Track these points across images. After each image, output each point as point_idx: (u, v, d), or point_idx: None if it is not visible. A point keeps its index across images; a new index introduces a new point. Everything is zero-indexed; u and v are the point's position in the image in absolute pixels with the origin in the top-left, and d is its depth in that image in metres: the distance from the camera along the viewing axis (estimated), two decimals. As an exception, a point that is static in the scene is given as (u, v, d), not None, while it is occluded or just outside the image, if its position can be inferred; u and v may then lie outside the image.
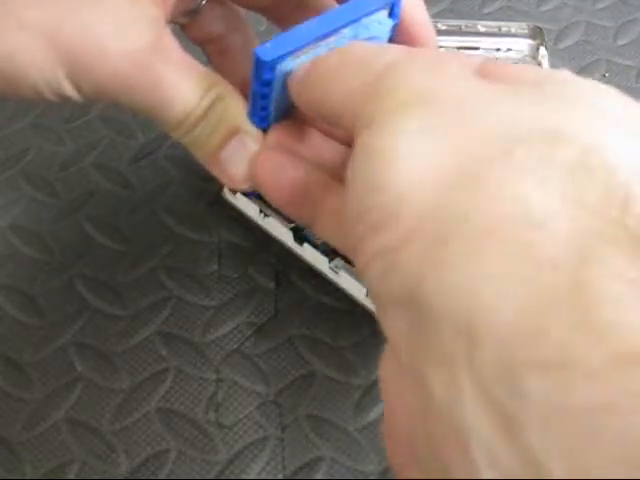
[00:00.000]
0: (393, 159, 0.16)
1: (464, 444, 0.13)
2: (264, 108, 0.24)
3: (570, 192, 0.14)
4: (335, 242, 0.26)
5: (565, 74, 0.17)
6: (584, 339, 0.12)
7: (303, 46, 0.22)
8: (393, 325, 0.15)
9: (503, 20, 0.41)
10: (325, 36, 0.22)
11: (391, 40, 0.25)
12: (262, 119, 0.24)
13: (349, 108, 0.19)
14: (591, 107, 0.16)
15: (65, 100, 0.24)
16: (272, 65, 0.22)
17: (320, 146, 0.25)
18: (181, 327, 0.31)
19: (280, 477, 0.27)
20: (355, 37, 0.23)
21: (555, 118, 0.15)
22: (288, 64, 0.22)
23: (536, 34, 0.39)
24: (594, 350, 0.12)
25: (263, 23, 0.42)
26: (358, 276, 0.17)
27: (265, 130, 0.25)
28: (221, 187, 0.34)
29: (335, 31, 0.22)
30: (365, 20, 0.23)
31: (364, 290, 0.29)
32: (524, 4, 0.44)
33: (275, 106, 0.24)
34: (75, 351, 0.31)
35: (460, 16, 0.43)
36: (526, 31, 0.39)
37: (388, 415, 0.16)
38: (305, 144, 0.25)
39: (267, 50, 0.21)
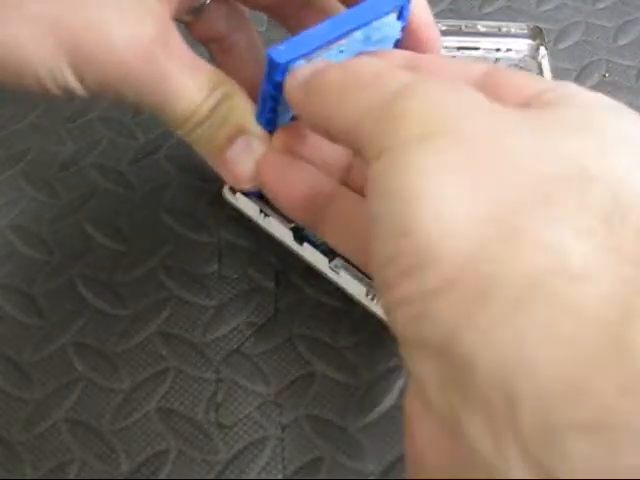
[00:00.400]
0: (419, 200, 0.15)
1: None
2: (273, 110, 0.24)
3: (607, 240, 0.13)
4: (341, 246, 0.26)
5: (583, 96, 0.17)
6: (629, 401, 0.12)
7: (316, 49, 0.22)
8: (422, 368, 0.15)
9: (503, 20, 0.41)
10: (337, 39, 0.22)
11: (400, 41, 0.25)
12: (270, 121, 0.24)
13: (357, 131, 0.18)
14: (617, 138, 0.15)
15: (69, 93, 0.24)
16: (285, 67, 0.22)
17: (327, 150, 0.25)
18: (181, 327, 0.31)
19: (280, 477, 0.27)
20: (367, 39, 0.23)
21: (583, 154, 0.15)
22: (300, 67, 0.22)
23: (536, 34, 0.39)
24: (639, 414, 0.12)
25: (263, 23, 0.42)
26: (385, 317, 0.16)
27: (272, 132, 0.25)
28: (221, 186, 0.34)
29: (347, 34, 0.22)
30: (376, 23, 0.23)
31: (364, 290, 0.29)
32: (524, 4, 0.44)
33: (283, 108, 0.24)
34: (75, 351, 0.31)
35: (460, 16, 0.43)
36: (526, 31, 0.39)
37: (415, 456, 0.16)
38: (312, 147, 0.25)
39: (281, 52, 0.21)
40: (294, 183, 0.24)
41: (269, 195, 0.24)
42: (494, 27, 0.40)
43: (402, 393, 0.29)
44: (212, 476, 0.28)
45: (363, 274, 0.30)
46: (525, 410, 0.12)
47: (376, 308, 0.30)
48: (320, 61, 0.21)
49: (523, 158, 0.15)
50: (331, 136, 0.20)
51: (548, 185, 0.14)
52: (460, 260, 0.14)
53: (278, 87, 0.22)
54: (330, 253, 0.31)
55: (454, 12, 0.44)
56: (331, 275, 0.31)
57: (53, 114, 0.39)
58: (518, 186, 0.15)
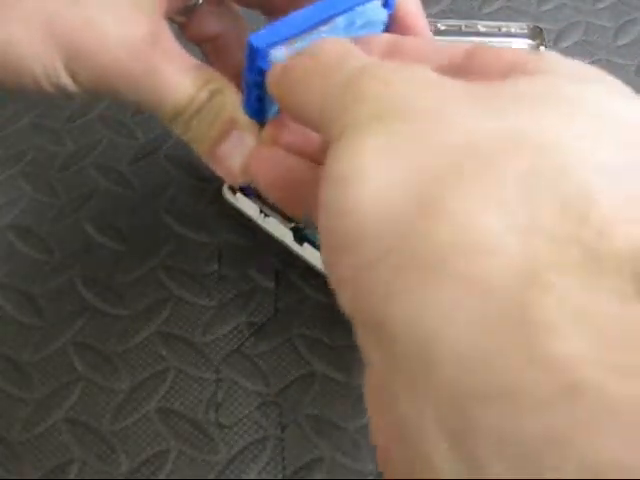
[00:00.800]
0: (354, 183, 0.15)
1: (431, 472, 0.13)
2: (259, 99, 0.24)
3: (523, 212, 0.13)
4: None
5: (564, 67, 0.17)
6: (529, 371, 0.12)
7: (297, 34, 0.22)
8: (365, 347, 0.16)
9: (503, 20, 0.41)
10: (319, 24, 0.22)
11: (386, 30, 0.25)
12: (257, 111, 0.24)
13: (322, 116, 0.18)
14: (575, 111, 0.15)
15: (62, 91, 0.24)
16: (266, 52, 0.21)
17: (318, 140, 0.25)
18: (181, 327, 0.31)
19: (280, 477, 0.27)
20: (350, 25, 0.23)
21: (521, 127, 0.15)
22: (282, 52, 0.22)
23: (536, 34, 0.39)
24: (539, 382, 0.12)
25: (261, 23, 0.42)
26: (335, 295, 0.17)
27: (262, 122, 0.25)
28: (221, 185, 0.34)
29: (329, 19, 0.22)
30: (360, 8, 0.23)
31: None
32: (524, 4, 0.44)
33: (270, 98, 0.24)
34: (75, 351, 0.31)
35: (460, 16, 0.43)
36: (526, 31, 0.39)
37: (373, 433, 0.16)
38: (303, 137, 0.25)
39: (261, 37, 0.21)
40: (284, 176, 0.24)
41: (263, 191, 0.24)
42: (494, 27, 0.40)
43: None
44: (212, 476, 0.28)
45: None
46: (439, 381, 0.13)
47: None
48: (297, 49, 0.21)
49: (460, 133, 0.15)
50: (307, 124, 0.20)
51: (477, 159, 0.14)
52: (385, 238, 0.15)
53: (260, 73, 0.22)
54: None
55: (454, 12, 0.44)
56: None
57: (53, 114, 0.39)
58: (449, 161, 0.15)
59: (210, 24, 0.29)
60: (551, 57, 0.18)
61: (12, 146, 0.38)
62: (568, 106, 0.15)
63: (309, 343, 0.31)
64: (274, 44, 0.21)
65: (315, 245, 0.31)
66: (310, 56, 0.20)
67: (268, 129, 0.25)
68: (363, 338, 0.16)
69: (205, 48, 0.30)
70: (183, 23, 0.28)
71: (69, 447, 0.28)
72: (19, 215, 0.35)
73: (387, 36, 0.24)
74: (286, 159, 0.24)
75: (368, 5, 0.23)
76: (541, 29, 0.39)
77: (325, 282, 0.31)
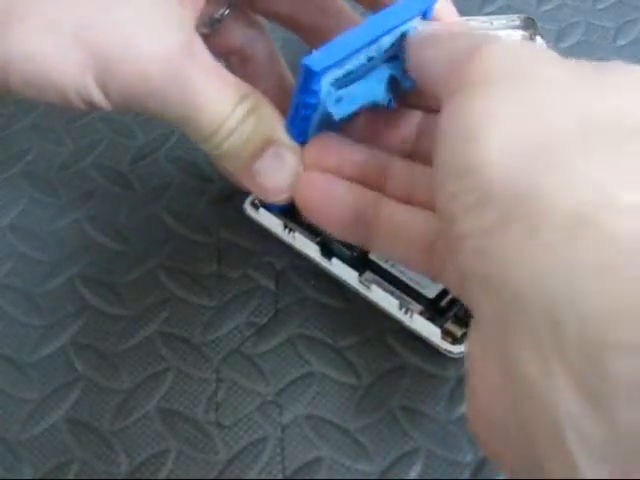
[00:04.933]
0: (480, 141, 0.16)
1: (557, 428, 0.14)
2: (306, 119, 0.24)
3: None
4: (394, 257, 0.26)
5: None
6: None
7: (348, 56, 0.22)
8: (480, 304, 0.16)
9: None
10: (367, 45, 0.23)
11: None
12: (301, 131, 0.24)
13: (444, 73, 0.20)
14: None
15: (92, 107, 0.23)
16: (321, 75, 0.22)
17: (361, 160, 0.25)
18: (181, 327, 0.31)
19: (280, 477, 0.27)
20: (393, 44, 0.23)
21: (630, 107, 0.16)
22: (330, 75, 0.22)
23: (528, 24, 0.39)
24: None
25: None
26: (449, 251, 0.18)
27: (303, 142, 0.25)
28: (224, 190, 0.34)
29: (376, 39, 0.23)
30: (402, 27, 0.23)
31: (396, 303, 0.29)
32: (524, 4, 0.44)
33: (316, 117, 0.24)
34: (75, 351, 0.31)
35: (460, 16, 0.43)
36: (518, 22, 0.39)
37: (473, 398, 0.17)
38: (343, 159, 0.24)
39: (316, 61, 0.22)
40: (340, 205, 0.23)
41: (313, 219, 0.24)
42: (486, 21, 0.40)
43: (402, 394, 0.29)
44: (212, 476, 0.28)
45: (395, 287, 0.29)
46: (570, 335, 0.14)
47: (410, 321, 0.29)
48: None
49: (575, 108, 0.16)
50: (429, 85, 0.22)
51: (592, 132, 0.16)
52: (514, 197, 0.15)
53: (313, 95, 0.22)
54: (360, 267, 0.30)
55: (454, 12, 0.44)
56: (362, 289, 0.30)
57: (53, 114, 0.39)
58: (565, 130, 0.16)
59: (235, 35, 0.28)
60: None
61: (12, 146, 0.38)
62: None
63: (309, 343, 0.31)
64: (328, 67, 0.22)
65: (344, 259, 0.30)
66: (449, 28, 0.22)
67: (311, 149, 0.24)
68: (476, 295, 0.16)
69: (230, 60, 0.29)
70: (207, 35, 0.28)
71: (69, 447, 0.28)
72: (19, 215, 0.35)
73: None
74: (339, 187, 0.24)
75: (409, 23, 0.23)
76: (533, 19, 0.39)
77: (325, 282, 0.31)
